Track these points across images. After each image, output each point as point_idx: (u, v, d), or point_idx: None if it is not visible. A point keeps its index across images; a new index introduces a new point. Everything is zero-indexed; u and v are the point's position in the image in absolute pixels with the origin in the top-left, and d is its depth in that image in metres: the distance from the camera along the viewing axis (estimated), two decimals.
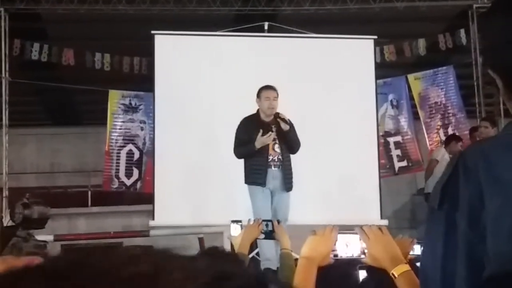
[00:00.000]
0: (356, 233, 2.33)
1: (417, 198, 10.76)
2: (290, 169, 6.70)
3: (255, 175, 6.55)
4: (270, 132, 6.49)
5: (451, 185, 1.31)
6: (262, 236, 3.74)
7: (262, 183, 6.52)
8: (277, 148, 6.61)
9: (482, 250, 1.23)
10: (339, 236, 2.47)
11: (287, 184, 6.64)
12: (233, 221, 4.09)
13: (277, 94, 6.62)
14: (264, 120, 6.59)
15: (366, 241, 2.23)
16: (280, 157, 6.61)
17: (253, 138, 6.48)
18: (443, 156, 8.87)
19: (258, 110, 6.71)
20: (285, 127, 6.46)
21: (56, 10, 9.57)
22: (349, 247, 2.48)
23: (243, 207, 6.72)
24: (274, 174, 6.59)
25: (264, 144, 6.43)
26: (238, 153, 6.65)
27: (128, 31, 10.05)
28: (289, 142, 6.61)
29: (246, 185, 6.72)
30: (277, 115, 6.51)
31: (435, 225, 1.35)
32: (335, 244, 2.46)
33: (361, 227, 2.27)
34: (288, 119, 6.54)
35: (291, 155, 6.77)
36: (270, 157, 6.59)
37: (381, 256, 2.15)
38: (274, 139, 6.58)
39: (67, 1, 9.47)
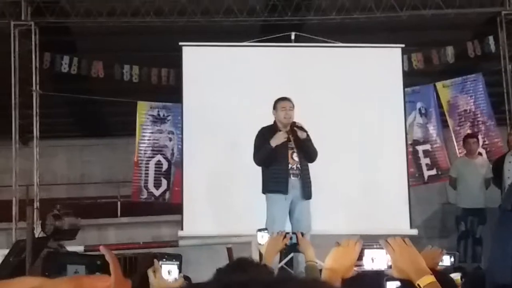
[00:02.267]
0: (381, 248, 2.32)
1: (447, 207, 10.67)
2: (309, 177, 6.73)
3: (277, 184, 6.61)
4: (283, 132, 6.53)
5: None
6: (286, 248, 3.73)
7: (284, 191, 6.56)
8: (295, 157, 6.66)
9: None
10: (365, 251, 2.46)
11: (307, 192, 6.66)
12: (259, 230, 4.11)
13: (293, 105, 6.68)
14: (281, 130, 6.65)
15: (391, 253, 2.22)
16: (298, 165, 6.66)
17: (268, 141, 6.56)
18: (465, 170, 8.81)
19: (274, 121, 6.76)
20: (301, 135, 6.52)
21: (85, 23, 9.68)
22: (375, 261, 2.47)
23: None
24: (293, 183, 6.64)
25: (279, 141, 6.50)
26: (257, 158, 6.73)
27: (156, 43, 10.13)
28: (307, 150, 6.64)
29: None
30: (293, 124, 6.58)
31: (507, 226, 1.35)
32: (361, 259, 2.45)
33: (386, 239, 2.26)
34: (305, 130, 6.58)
35: (315, 165, 6.79)
36: (289, 166, 6.62)
37: (407, 268, 2.15)
38: (292, 148, 6.63)
39: (95, 15, 9.58)
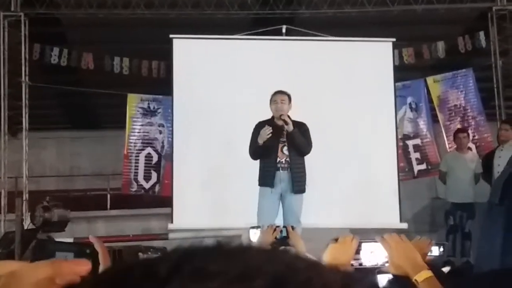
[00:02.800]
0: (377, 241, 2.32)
1: (437, 202, 10.70)
2: (302, 171, 6.70)
3: (265, 177, 6.63)
4: (268, 127, 6.53)
5: None
6: (276, 242, 3.73)
7: (271, 184, 6.56)
8: (285, 150, 6.66)
9: None
10: (363, 244, 2.46)
11: (297, 186, 6.64)
12: (252, 227, 4.10)
13: (288, 98, 6.67)
14: (277, 123, 6.64)
15: (387, 250, 2.22)
16: (288, 159, 6.64)
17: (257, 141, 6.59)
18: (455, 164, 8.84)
19: (272, 115, 6.77)
20: (288, 128, 6.51)
21: (76, 15, 9.64)
22: (373, 255, 2.46)
23: None
24: (281, 177, 6.63)
25: (263, 138, 6.49)
26: (251, 153, 6.73)
27: (147, 35, 10.09)
28: (295, 143, 6.63)
29: None
30: (279, 117, 6.57)
31: (495, 220, 1.36)
32: (359, 252, 2.45)
33: (382, 235, 2.26)
34: (297, 121, 6.57)
35: (308, 158, 6.78)
36: (278, 159, 6.63)
37: (403, 263, 2.15)
38: (283, 142, 6.62)
39: (86, 6, 9.54)
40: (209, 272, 0.50)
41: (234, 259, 0.52)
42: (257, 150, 6.64)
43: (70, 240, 6.70)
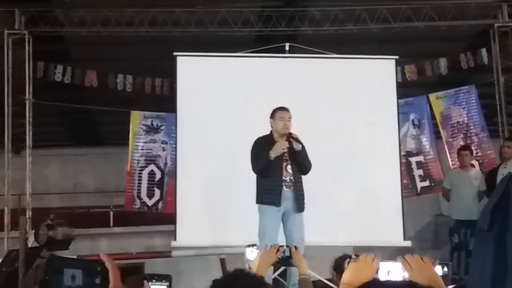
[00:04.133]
0: (397, 261, 2.31)
1: (440, 219, 10.69)
2: (302, 190, 6.69)
3: (269, 195, 6.56)
4: (284, 142, 6.51)
5: (502, 207, 1.33)
6: (279, 262, 3.72)
7: (277, 203, 6.52)
8: (289, 169, 6.63)
9: None
10: (381, 263, 2.44)
11: (300, 205, 6.63)
12: (248, 246, 4.09)
13: (291, 116, 6.65)
14: (277, 141, 6.62)
15: (408, 271, 2.21)
16: (292, 178, 6.63)
17: (267, 151, 6.55)
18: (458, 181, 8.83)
19: (271, 131, 6.74)
20: (297, 146, 6.50)
21: (79, 33, 9.68)
22: (390, 274, 2.45)
23: None
24: (286, 195, 6.60)
25: (278, 152, 6.46)
26: (256, 169, 6.66)
27: (150, 53, 10.14)
28: (301, 162, 6.62)
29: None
30: (289, 136, 6.55)
31: (485, 246, 1.37)
32: (376, 272, 2.43)
33: (403, 256, 2.24)
34: (300, 141, 6.56)
35: (308, 176, 6.77)
36: (283, 177, 6.60)
37: (425, 285, 2.14)
38: (286, 160, 6.61)
39: (90, 24, 9.58)
40: None
41: None
42: (266, 165, 6.55)
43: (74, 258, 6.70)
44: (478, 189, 8.73)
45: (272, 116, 6.73)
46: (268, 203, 6.56)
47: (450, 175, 9.18)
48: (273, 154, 6.47)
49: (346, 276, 2.35)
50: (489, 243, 1.35)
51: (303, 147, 6.60)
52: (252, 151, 6.72)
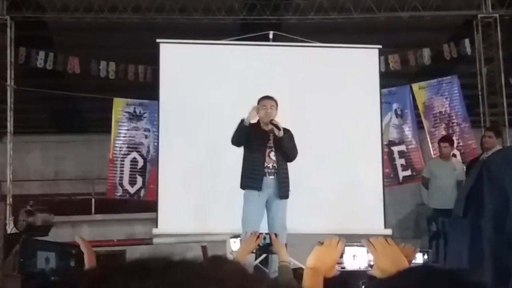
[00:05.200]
0: (363, 245, 2.31)
1: (421, 208, 10.75)
2: (286, 177, 6.71)
3: (250, 179, 6.60)
4: (267, 156, 6.57)
5: (475, 193, 1.35)
6: (259, 249, 3.72)
7: (258, 187, 6.56)
8: (272, 155, 6.66)
9: (509, 255, 1.25)
10: (346, 248, 2.45)
11: (283, 192, 6.65)
12: (232, 237, 4.09)
13: (276, 104, 6.68)
14: (263, 128, 6.66)
15: (373, 253, 2.21)
16: (275, 165, 6.65)
17: (251, 145, 6.63)
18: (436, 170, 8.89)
19: (258, 120, 6.76)
20: (278, 133, 6.52)
21: (62, 19, 9.61)
22: (356, 259, 2.46)
23: None
24: (268, 182, 6.63)
25: (251, 118, 6.53)
26: (233, 137, 6.68)
27: (133, 40, 10.08)
28: (284, 149, 6.64)
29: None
30: (270, 122, 6.58)
31: (460, 233, 1.39)
32: (342, 256, 2.44)
33: (368, 239, 2.25)
34: (282, 127, 6.56)
35: (290, 164, 6.79)
36: (266, 164, 6.63)
37: (389, 267, 2.14)
38: (270, 147, 6.64)
39: (72, 10, 9.51)
40: None
41: (156, 280, 0.54)
42: (240, 132, 6.58)
43: None
44: (456, 179, 8.79)
45: (257, 104, 6.76)
46: (249, 188, 6.60)
47: (429, 164, 9.23)
48: (246, 120, 6.53)
49: (311, 260, 2.35)
50: (464, 229, 1.37)
51: (287, 133, 6.61)
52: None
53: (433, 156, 9.68)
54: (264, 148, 6.64)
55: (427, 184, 9.00)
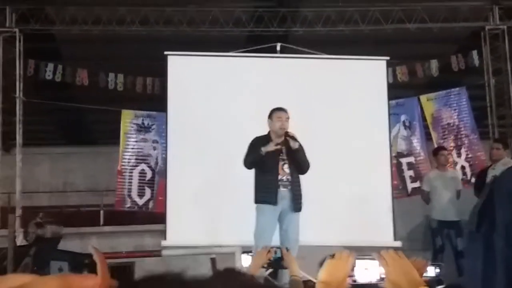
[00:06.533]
0: (374, 259, 2.31)
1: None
2: (300, 189, 6.69)
3: (266, 194, 6.55)
4: (281, 169, 6.54)
5: (487, 209, 1.36)
6: (270, 263, 3.71)
7: (274, 202, 6.51)
8: (286, 168, 6.62)
9: None
10: (358, 261, 2.46)
11: (297, 204, 6.63)
12: (244, 252, 4.08)
13: (288, 116, 6.65)
14: (276, 141, 6.62)
15: (384, 266, 2.21)
16: (289, 177, 6.62)
17: (263, 162, 6.55)
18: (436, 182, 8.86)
19: (269, 132, 6.74)
20: (294, 145, 6.49)
21: (70, 31, 9.66)
22: (367, 272, 2.46)
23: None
24: (282, 194, 6.59)
25: (269, 149, 6.47)
26: (246, 161, 6.65)
27: (142, 52, 10.12)
28: (298, 162, 6.61)
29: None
30: (286, 134, 6.55)
31: (474, 247, 1.41)
32: (353, 270, 2.44)
33: (379, 252, 2.25)
34: (297, 140, 6.55)
35: (301, 176, 6.77)
36: (279, 177, 6.60)
37: (400, 280, 2.13)
38: (283, 160, 6.61)
39: (81, 22, 9.56)
40: None
41: None
42: (256, 159, 6.55)
43: None
44: (456, 188, 8.78)
45: (270, 116, 6.73)
46: (264, 202, 6.56)
47: (428, 177, 9.17)
48: (264, 149, 6.48)
49: (322, 275, 2.35)
50: (478, 243, 1.38)
51: (300, 146, 6.59)
52: (248, 148, 6.72)
53: None
54: (277, 161, 6.61)
55: (428, 198, 8.96)
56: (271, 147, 6.51)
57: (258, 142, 6.66)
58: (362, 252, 2.48)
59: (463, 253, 8.49)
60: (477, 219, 1.38)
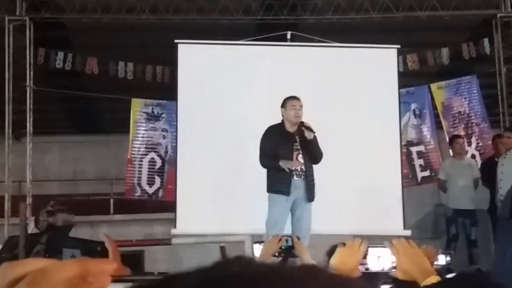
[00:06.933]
0: (386, 247, 2.32)
1: (440, 209, 10.67)
2: (313, 179, 6.67)
3: (279, 184, 6.53)
4: (295, 159, 6.49)
5: None
6: (281, 252, 3.69)
7: (287, 192, 6.49)
8: (300, 158, 6.59)
9: None
10: (371, 249, 2.45)
11: (311, 194, 6.62)
12: (256, 242, 4.06)
13: (302, 105, 6.62)
14: (288, 130, 6.59)
15: (395, 255, 2.22)
16: (303, 167, 6.59)
17: (278, 152, 6.50)
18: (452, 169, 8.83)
19: (282, 120, 6.70)
20: (309, 135, 6.45)
21: (80, 19, 9.66)
22: (380, 260, 2.45)
23: (265, 216, 6.69)
24: (296, 184, 6.56)
25: (287, 166, 6.43)
26: (264, 164, 6.64)
27: (151, 40, 10.11)
28: (313, 151, 6.59)
29: (267, 194, 6.71)
30: (301, 124, 6.51)
31: (507, 233, 1.40)
32: (365, 257, 2.44)
33: (390, 241, 2.25)
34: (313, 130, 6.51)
35: (314, 165, 6.75)
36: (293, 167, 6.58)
37: (411, 269, 2.14)
38: (297, 149, 6.58)
39: (91, 10, 9.55)
40: None
41: None
42: (272, 164, 6.52)
43: None
44: (473, 177, 8.74)
45: (283, 105, 6.68)
46: (278, 192, 6.54)
47: (444, 165, 9.16)
48: (283, 164, 6.43)
49: (333, 262, 2.35)
50: (510, 230, 1.38)
51: (314, 136, 6.56)
52: (262, 141, 6.66)
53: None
54: (291, 151, 6.58)
55: (444, 186, 8.93)
56: (290, 165, 6.45)
57: (272, 134, 6.62)
58: (372, 241, 2.47)
59: (476, 242, 8.49)
60: (510, 206, 1.37)
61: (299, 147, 6.57)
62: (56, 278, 0.65)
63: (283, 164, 6.42)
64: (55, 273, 0.66)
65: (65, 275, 0.66)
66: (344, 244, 2.41)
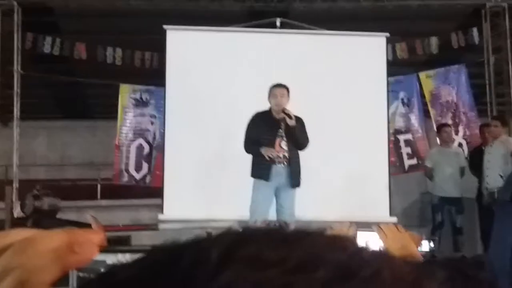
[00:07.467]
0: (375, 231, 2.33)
1: (426, 197, 10.71)
2: (298, 166, 6.68)
3: (260, 170, 6.57)
4: (278, 145, 6.51)
5: None
6: None
7: (266, 178, 6.53)
8: (284, 145, 6.61)
9: None
10: (359, 234, 2.47)
11: (295, 180, 6.63)
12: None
13: (287, 91, 6.61)
14: (275, 117, 6.60)
15: (383, 239, 2.23)
16: (285, 154, 6.61)
17: (261, 138, 6.53)
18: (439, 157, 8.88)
19: (270, 107, 6.72)
20: (290, 122, 6.46)
21: (69, 4, 9.59)
22: (368, 244, 2.47)
23: None
24: (278, 170, 6.59)
25: (267, 154, 6.46)
26: (247, 149, 6.69)
27: (140, 26, 10.06)
28: (296, 138, 6.60)
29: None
30: (282, 111, 6.52)
31: (507, 217, 1.40)
32: None
33: (378, 225, 2.27)
34: (294, 116, 6.51)
35: (301, 152, 6.76)
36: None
37: (398, 253, 2.15)
38: (281, 136, 6.59)
39: None
40: (266, 260, 0.44)
41: (293, 246, 0.47)
42: (254, 151, 6.57)
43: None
44: (459, 165, 8.79)
45: (268, 93, 6.70)
46: (258, 177, 6.58)
47: (431, 153, 9.20)
48: (264, 152, 6.47)
49: None
50: (510, 213, 1.38)
51: (299, 123, 6.55)
52: (247, 126, 6.68)
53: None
54: (274, 137, 6.59)
55: (431, 174, 8.97)
56: (271, 151, 6.48)
57: (258, 121, 6.63)
58: (359, 227, 2.49)
59: (462, 229, 8.54)
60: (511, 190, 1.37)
61: (283, 134, 6.58)
62: (43, 247, 0.65)
63: (263, 151, 6.45)
64: (42, 242, 0.66)
65: (52, 244, 0.66)
66: (331, 229, 2.43)
